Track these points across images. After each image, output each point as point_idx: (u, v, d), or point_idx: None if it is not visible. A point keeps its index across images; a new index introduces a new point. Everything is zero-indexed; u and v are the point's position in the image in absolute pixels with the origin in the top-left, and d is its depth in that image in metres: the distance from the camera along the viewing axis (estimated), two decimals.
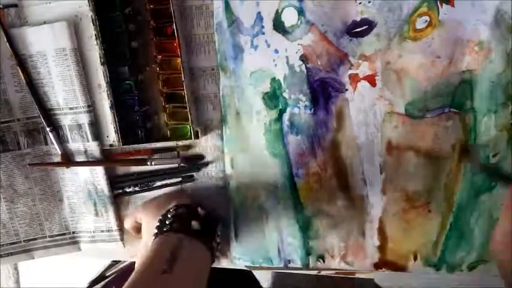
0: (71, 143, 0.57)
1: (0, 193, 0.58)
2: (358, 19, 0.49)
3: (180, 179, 0.57)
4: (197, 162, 0.56)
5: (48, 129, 0.56)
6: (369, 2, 0.48)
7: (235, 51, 0.52)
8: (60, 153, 0.57)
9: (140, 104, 0.54)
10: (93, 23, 0.51)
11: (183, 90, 0.52)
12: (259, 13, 0.50)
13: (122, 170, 0.59)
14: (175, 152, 0.57)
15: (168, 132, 0.55)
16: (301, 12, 0.49)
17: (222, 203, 0.57)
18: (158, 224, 0.50)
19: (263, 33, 0.51)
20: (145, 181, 0.58)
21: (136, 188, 0.59)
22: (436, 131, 0.50)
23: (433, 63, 0.48)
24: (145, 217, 0.54)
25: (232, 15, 0.51)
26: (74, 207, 0.60)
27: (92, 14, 0.50)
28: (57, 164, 0.58)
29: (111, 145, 0.57)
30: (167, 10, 0.50)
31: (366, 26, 0.49)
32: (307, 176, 0.54)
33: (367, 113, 0.51)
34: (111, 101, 0.53)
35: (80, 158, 0.58)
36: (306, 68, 0.51)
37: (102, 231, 0.60)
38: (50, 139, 0.57)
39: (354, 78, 0.50)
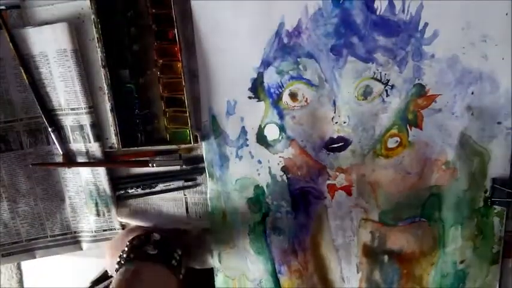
0: (72, 143, 0.57)
1: (2, 192, 0.58)
2: (335, 136, 0.52)
3: (182, 181, 0.58)
4: (199, 164, 0.57)
5: (50, 129, 0.56)
6: (344, 122, 0.52)
7: (221, 160, 0.56)
8: (61, 153, 0.57)
9: (140, 107, 0.54)
10: (95, 25, 0.51)
11: (184, 94, 0.52)
12: (243, 127, 0.54)
13: (124, 171, 0.59)
14: (177, 154, 0.57)
15: (168, 136, 0.55)
16: (282, 128, 0.53)
17: None
18: (118, 260, 0.52)
19: (247, 145, 0.55)
20: (147, 183, 0.59)
21: (139, 190, 0.59)
22: (408, 238, 0.54)
23: (404, 178, 0.52)
24: (108, 258, 0.56)
25: (219, 129, 0.55)
26: (76, 207, 0.60)
27: (94, 16, 0.51)
28: (60, 165, 0.58)
29: (110, 147, 0.57)
30: (169, 14, 0.50)
31: (342, 143, 0.53)
32: (289, 272, 0.58)
33: (344, 218, 0.55)
34: (111, 103, 0.53)
35: (82, 159, 0.58)
36: (287, 178, 0.55)
37: (104, 230, 0.61)
38: (52, 139, 0.57)
39: (332, 188, 0.54)
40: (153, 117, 0.56)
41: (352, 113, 0.51)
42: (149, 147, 0.56)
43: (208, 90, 0.54)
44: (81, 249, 0.62)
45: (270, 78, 0.52)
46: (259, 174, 0.55)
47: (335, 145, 0.53)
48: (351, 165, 0.53)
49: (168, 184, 0.58)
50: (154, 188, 0.59)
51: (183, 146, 0.56)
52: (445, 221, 0.52)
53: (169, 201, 0.59)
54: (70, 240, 0.62)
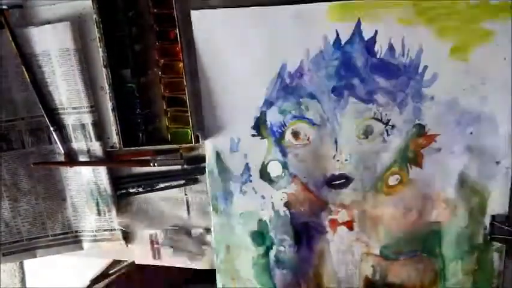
0: (74, 142, 0.57)
1: (3, 192, 0.58)
2: (337, 173, 0.54)
3: (183, 181, 0.58)
4: (200, 164, 0.57)
5: (51, 128, 0.56)
6: (346, 160, 0.53)
7: (226, 195, 0.57)
8: (63, 152, 0.58)
9: (142, 107, 0.55)
10: (96, 25, 0.51)
11: (185, 94, 0.52)
12: (247, 164, 0.55)
13: (125, 170, 0.59)
14: (178, 154, 0.57)
15: (169, 136, 0.55)
16: (284, 165, 0.54)
17: None
18: None
19: (251, 181, 0.56)
20: (148, 182, 0.59)
21: (140, 189, 0.59)
22: (409, 272, 0.55)
23: (405, 215, 0.53)
24: None
25: (223, 165, 0.56)
26: (77, 206, 0.60)
27: (96, 16, 0.51)
28: (61, 164, 0.58)
29: (112, 146, 0.57)
30: (170, 14, 0.50)
31: (344, 180, 0.54)
32: None
33: (346, 252, 0.56)
34: (113, 103, 0.53)
35: (83, 158, 0.58)
36: (290, 213, 0.56)
37: (105, 230, 0.61)
38: (54, 138, 0.57)
39: (334, 223, 0.55)
40: (155, 116, 0.56)
41: (354, 151, 0.52)
42: (150, 147, 0.56)
43: (212, 127, 0.55)
44: (82, 248, 0.62)
45: (273, 117, 0.53)
46: (262, 209, 0.56)
47: (337, 182, 0.54)
48: (352, 202, 0.54)
49: (169, 183, 0.59)
50: (155, 187, 0.59)
51: (184, 145, 0.56)
52: (445, 256, 0.53)
53: (171, 201, 0.60)
54: (71, 239, 0.62)
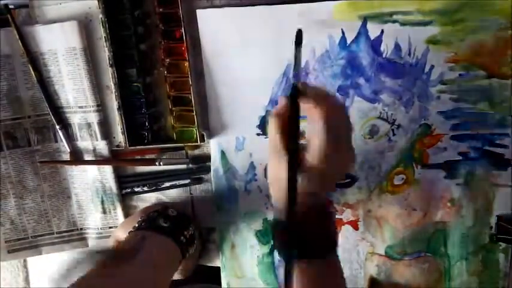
0: (79, 141, 0.58)
1: (9, 189, 0.59)
2: None
3: (188, 180, 0.58)
4: (205, 163, 0.57)
5: (57, 127, 0.57)
6: None
7: (230, 193, 0.57)
8: (69, 151, 0.58)
9: (147, 106, 0.55)
10: (102, 24, 0.52)
11: (190, 93, 0.53)
12: (252, 163, 0.55)
13: (130, 169, 0.60)
14: (184, 153, 0.58)
15: (174, 135, 0.56)
16: None
17: None
18: (130, 230, 0.52)
19: (255, 180, 0.56)
20: (153, 181, 0.59)
21: (145, 188, 0.60)
22: (414, 272, 0.55)
23: (410, 214, 0.53)
24: (122, 232, 0.55)
25: (228, 163, 0.56)
26: (82, 204, 0.61)
27: (102, 16, 0.52)
28: (67, 162, 0.59)
29: (117, 145, 0.58)
30: (176, 14, 0.51)
31: (349, 180, 0.54)
32: None
33: (351, 252, 0.56)
34: (118, 102, 0.54)
35: (89, 156, 0.59)
36: None
37: (110, 227, 0.61)
38: (60, 137, 0.58)
39: (339, 222, 0.55)
40: (160, 116, 0.56)
41: (359, 150, 0.52)
42: (156, 146, 0.57)
43: (218, 126, 0.55)
44: (87, 245, 0.63)
45: None
46: (267, 207, 0.56)
47: (342, 181, 0.54)
48: (357, 201, 0.54)
49: (174, 183, 0.59)
50: (160, 186, 0.59)
51: (189, 144, 0.56)
52: (451, 256, 0.53)
53: (175, 200, 0.60)
54: (76, 236, 0.62)
